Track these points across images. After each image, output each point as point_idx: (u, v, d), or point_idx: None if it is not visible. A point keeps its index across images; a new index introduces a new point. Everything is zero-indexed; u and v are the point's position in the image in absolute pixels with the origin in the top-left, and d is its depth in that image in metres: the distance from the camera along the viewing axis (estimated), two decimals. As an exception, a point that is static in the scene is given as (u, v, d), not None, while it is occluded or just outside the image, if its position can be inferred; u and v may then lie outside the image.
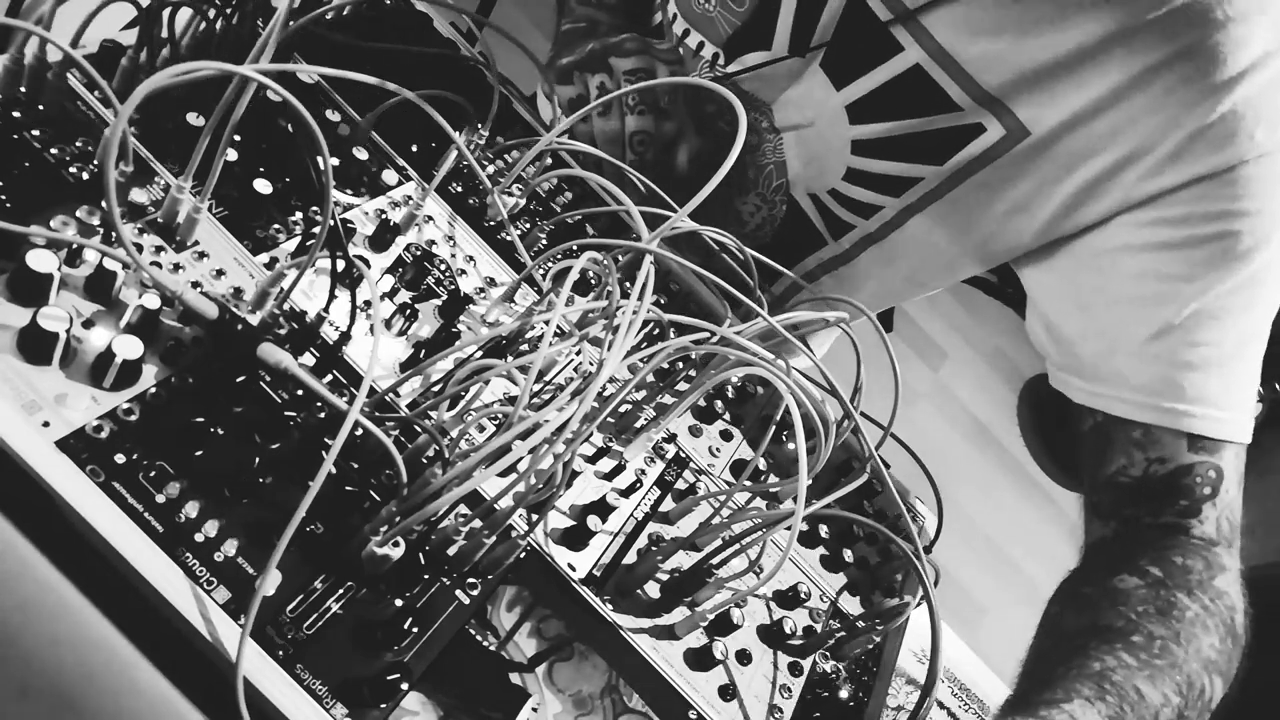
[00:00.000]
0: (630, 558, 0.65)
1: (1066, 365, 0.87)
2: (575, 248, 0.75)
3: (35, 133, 0.56)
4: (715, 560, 0.65)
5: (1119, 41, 0.74)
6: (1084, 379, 0.84)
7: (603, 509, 0.64)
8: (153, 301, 0.51)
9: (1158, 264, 0.78)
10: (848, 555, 0.78)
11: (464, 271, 0.71)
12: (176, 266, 0.56)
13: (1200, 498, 0.79)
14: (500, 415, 0.60)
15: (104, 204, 0.54)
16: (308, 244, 0.62)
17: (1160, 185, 0.77)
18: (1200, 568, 0.76)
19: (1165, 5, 0.72)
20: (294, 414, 0.54)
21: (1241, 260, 0.76)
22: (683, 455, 0.75)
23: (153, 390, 0.50)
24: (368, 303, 0.62)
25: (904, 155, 0.87)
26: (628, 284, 0.74)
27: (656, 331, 0.75)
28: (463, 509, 0.58)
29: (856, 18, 0.82)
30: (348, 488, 0.54)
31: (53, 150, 0.56)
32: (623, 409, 0.73)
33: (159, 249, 0.56)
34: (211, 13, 0.64)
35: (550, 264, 0.75)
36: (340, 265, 0.61)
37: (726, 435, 0.80)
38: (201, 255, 0.58)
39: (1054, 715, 0.61)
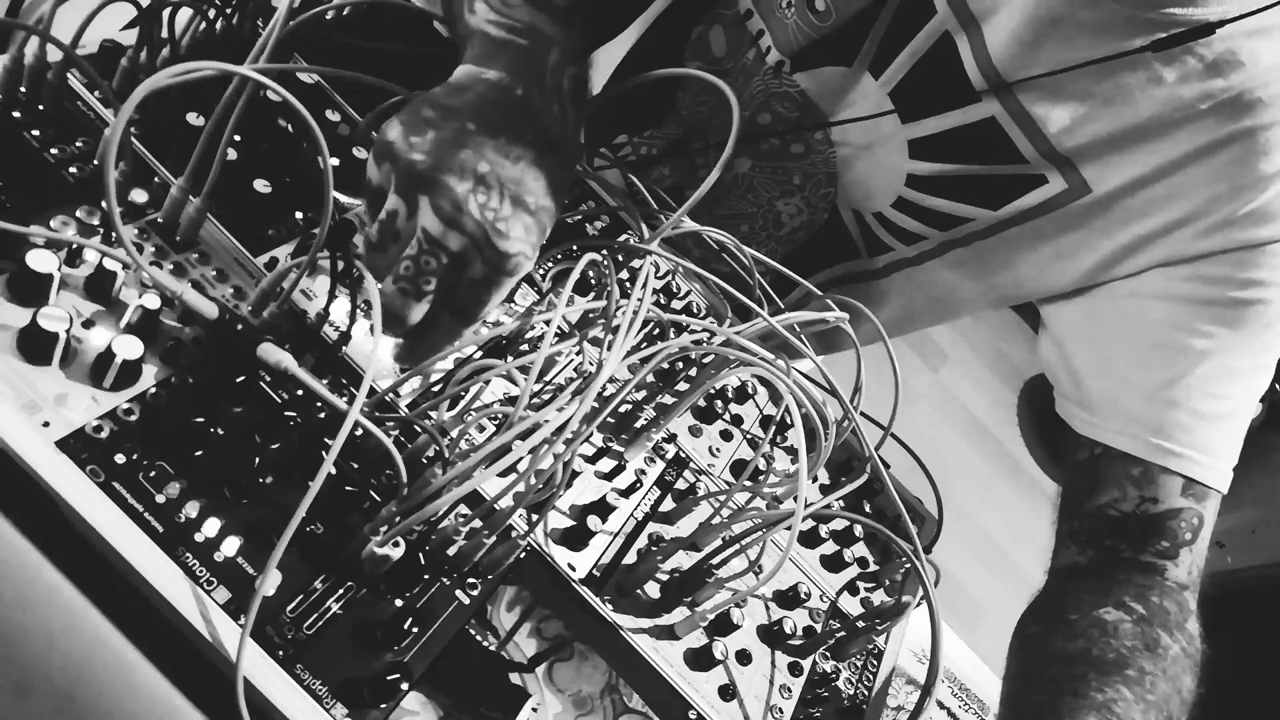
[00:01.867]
0: (630, 558, 0.65)
1: (1074, 396, 0.88)
2: (575, 248, 0.75)
3: (35, 133, 0.56)
4: (715, 560, 0.65)
5: (1190, 116, 0.76)
6: (1090, 412, 0.86)
7: (603, 509, 0.64)
8: (153, 301, 0.51)
9: (1187, 316, 0.80)
10: (848, 555, 0.78)
11: (464, 271, 0.71)
12: (177, 267, 0.56)
13: (1181, 542, 0.81)
14: (500, 415, 0.60)
15: (104, 204, 0.54)
16: (308, 244, 0.62)
17: (1206, 247, 0.79)
18: (1175, 610, 0.79)
19: (1232, 90, 0.74)
20: (294, 414, 0.54)
21: (1266, 329, 0.79)
22: (683, 455, 0.75)
23: (153, 390, 0.50)
24: (368, 303, 0.62)
25: (959, 196, 0.88)
26: (628, 284, 0.74)
27: (656, 332, 0.75)
28: (463, 509, 0.58)
29: (939, 59, 0.81)
30: (348, 488, 0.54)
31: (53, 150, 0.56)
32: (623, 409, 0.73)
33: (159, 249, 0.56)
34: (211, 13, 0.64)
35: (550, 264, 0.76)
36: (340, 265, 0.61)
37: (726, 435, 0.80)
38: (202, 256, 0.58)
39: None
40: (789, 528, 0.59)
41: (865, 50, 0.85)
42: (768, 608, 0.70)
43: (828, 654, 0.70)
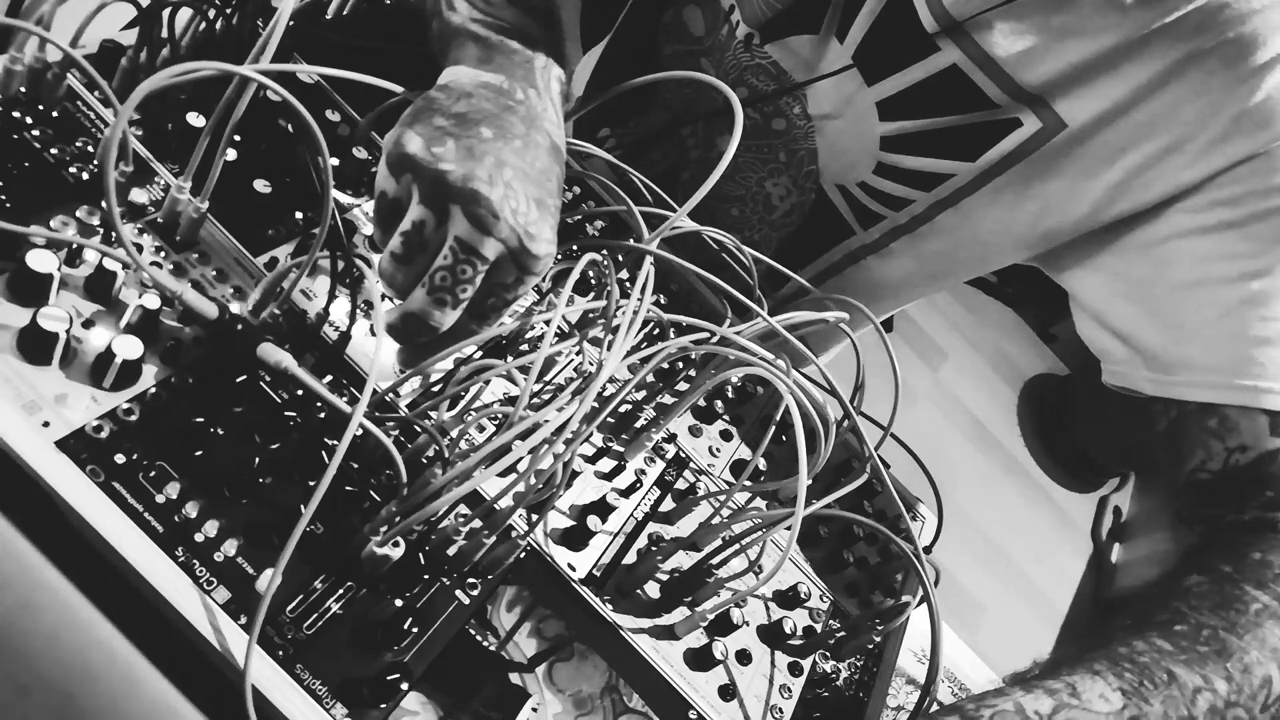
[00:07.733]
0: (630, 558, 0.65)
1: (1130, 359, 0.84)
2: (575, 248, 0.75)
3: (35, 133, 0.56)
4: (715, 560, 0.65)
5: (1156, 34, 0.74)
6: (1151, 370, 0.81)
7: (603, 509, 0.64)
8: (153, 301, 0.51)
9: (1220, 244, 0.76)
10: (848, 555, 0.78)
11: (464, 271, 0.71)
12: (177, 267, 0.56)
13: None
14: (500, 415, 0.60)
15: (104, 204, 0.55)
16: (308, 244, 0.62)
17: (1209, 168, 0.76)
18: None
19: (1195, 2, 0.72)
20: (294, 414, 0.54)
21: None
22: (683, 455, 0.75)
23: (153, 390, 0.50)
24: (368, 303, 0.62)
25: (935, 151, 0.87)
26: (628, 284, 0.74)
27: (656, 331, 0.75)
28: (463, 509, 0.58)
29: (895, 15, 0.81)
30: (348, 488, 0.54)
31: (53, 150, 0.56)
32: (623, 409, 0.73)
33: (159, 249, 0.56)
34: (211, 13, 0.64)
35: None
36: (340, 265, 0.61)
37: (726, 435, 0.80)
38: (202, 256, 0.58)
39: (1050, 684, 0.59)
40: (789, 528, 0.59)
41: (830, 15, 0.85)
42: (768, 608, 0.70)
43: (828, 654, 0.70)
